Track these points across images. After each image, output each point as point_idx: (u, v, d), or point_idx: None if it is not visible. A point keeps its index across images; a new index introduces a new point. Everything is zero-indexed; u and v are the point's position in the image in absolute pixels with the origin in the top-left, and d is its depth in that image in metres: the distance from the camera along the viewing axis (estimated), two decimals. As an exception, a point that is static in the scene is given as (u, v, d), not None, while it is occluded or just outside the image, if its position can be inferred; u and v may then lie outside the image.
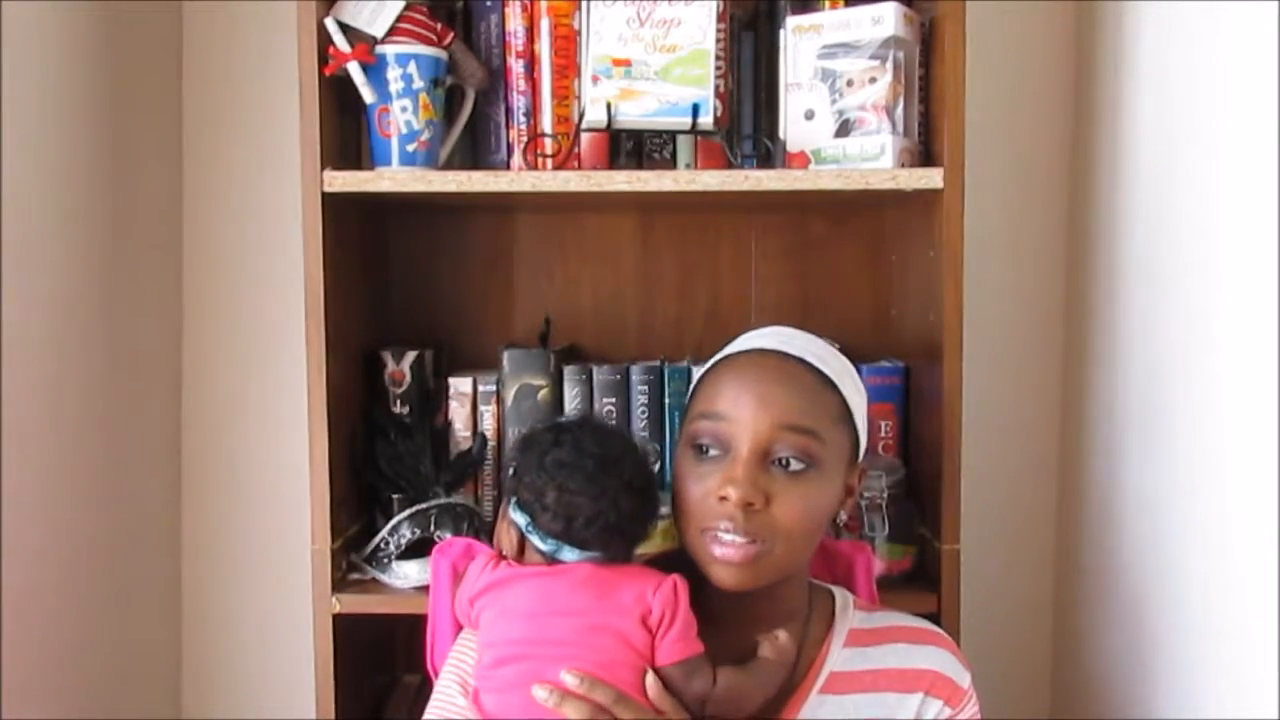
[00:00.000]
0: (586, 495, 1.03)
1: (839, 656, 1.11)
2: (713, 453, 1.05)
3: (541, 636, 1.02)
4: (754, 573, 1.04)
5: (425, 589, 1.30)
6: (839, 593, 1.17)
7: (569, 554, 1.04)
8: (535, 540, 1.05)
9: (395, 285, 1.66)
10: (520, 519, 1.06)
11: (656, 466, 1.48)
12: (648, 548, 1.13)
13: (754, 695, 1.04)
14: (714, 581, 1.04)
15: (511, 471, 1.08)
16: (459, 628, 1.16)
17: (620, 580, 1.04)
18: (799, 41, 1.39)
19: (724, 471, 1.03)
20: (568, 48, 1.44)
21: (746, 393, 1.05)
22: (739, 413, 1.04)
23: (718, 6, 1.35)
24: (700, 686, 1.01)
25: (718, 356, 1.13)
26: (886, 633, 1.13)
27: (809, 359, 1.08)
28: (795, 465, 1.04)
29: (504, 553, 1.09)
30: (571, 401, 1.49)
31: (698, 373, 1.45)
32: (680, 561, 1.09)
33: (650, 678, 1.00)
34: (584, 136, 1.45)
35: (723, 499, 1.02)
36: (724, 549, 1.02)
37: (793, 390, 1.06)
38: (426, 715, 1.10)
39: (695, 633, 1.03)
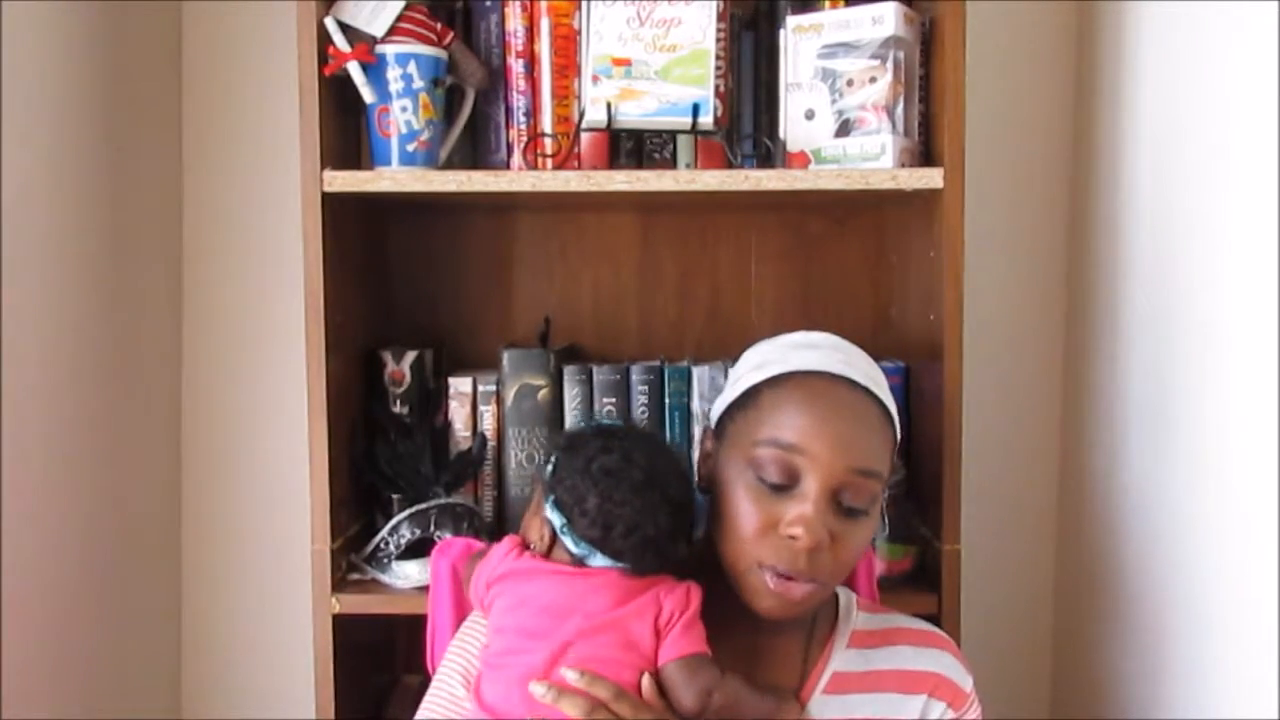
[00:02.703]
0: (629, 507, 1.02)
1: (842, 657, 1.11)
2: (777, 483, 1.02)
3: (555, 632, 1.01)
4: (803, 609, 1.04)
5: (425, 589, 1.31)
6: (842, 593, 1.16)
7: (599, 560, 1.04)
8: (568, 542, 1.04)
9: (395, 285, 1.66)
10: (556, 519, 1.04)
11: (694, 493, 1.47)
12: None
13: (751, 715, 1.03)
14: (757, 610, 1.03)
15: (551, 469, 1.06)
16: (459, 626, 1.16)
17: (640, 587, 1.03)
18: (799, 41, 1.39)
19: (795, 509, 1.00)
20: (568, 47, 1.44)
21: (823, 428, 1.01)
22: (815, 448, 1.01)
23: (718, 6, 1.35)
24: (705, 682, 1.00)
25: (772, 371, 1.07)
26: (890, 634, 1.13)
27: (874, 390, 1.06)
28: (859, 508, 1.02)
29: (531, 545, 1.08)
30: (571, 401, 1.49)
31: (701, 370, 1.47)
32: (692, 566, 1.08)
33: (646, 679, 1.00)
34: (584, 136, 1.45)
35: (792, 538, 1.00)
36: (783, 585, 1.01)
37: (866, 431, 1.03)
38: (424, 704, 1.10)
39: (702, 636, 1.03)
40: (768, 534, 1.01)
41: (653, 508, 1.03)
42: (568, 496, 1.04)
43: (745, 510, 1.02)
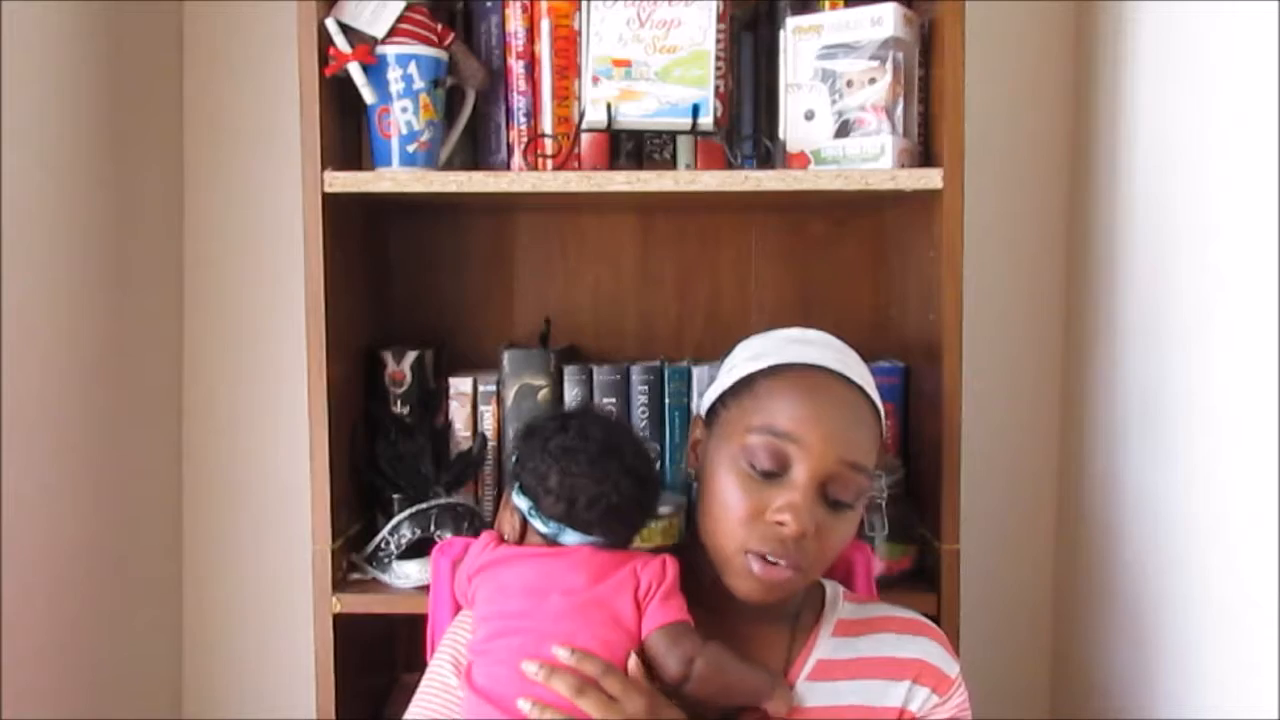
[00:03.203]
0: (589, 478, 1.05)
1: (827, 645, 1.11)
2: (768, 470, 1.03)
3: (536, 612, 1.03)
4: (782, 594, 1.05)
5: (425, 589, 1.31)
6: (829, 585, 1.17)
7: (570, 537, 1.06)
8: (537, 523, 1.07)
9: (395, 285, 1.66)
10: (523, 503, 1.08)
11: (655, 465, 1.49)
12: (647, 544, 1.14)
13: (736, 683, 1.04)
14: (738, 594, 1.04)
15: (514, 459, 1.10)
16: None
17: (615, 562, 1.05)
18: (799, 42, 1.39)
19: (785, 496, 1.02)
20: (568, 48, 1.44)
21: (816, 419, 1.03)
22: (808, 438, 1.02)
23: (718, 7, 1.35)
24: (687, 648, 1.02)
25: (769, 362, 1.08)
26: (875, 623, 1.14)
27: (865, 388, 1.08)
28: (846, 501, 1.04)
29: (505, 537, 1.11)
30: (571, 402, 1.49)
31: (701, 370, 1.48)
32: (680, 554, 1.09)
33: (632, 659, 1.01)
34: (584, 137, 1.45)
35: (779, 524, 1.01)
36: (767, 571, 1.02)
37: (858, 425, 1.05)
38: (418, 695, 1.11)
39: (682, 605, 1.04)
40: (755, 520, 1.02)
41: (613, 476, 1.06)
42: (531, 479, 1.07)
43: (734, 496, 1.03)
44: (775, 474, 1.03)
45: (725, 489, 1.04)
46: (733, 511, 1.03)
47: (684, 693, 1.02)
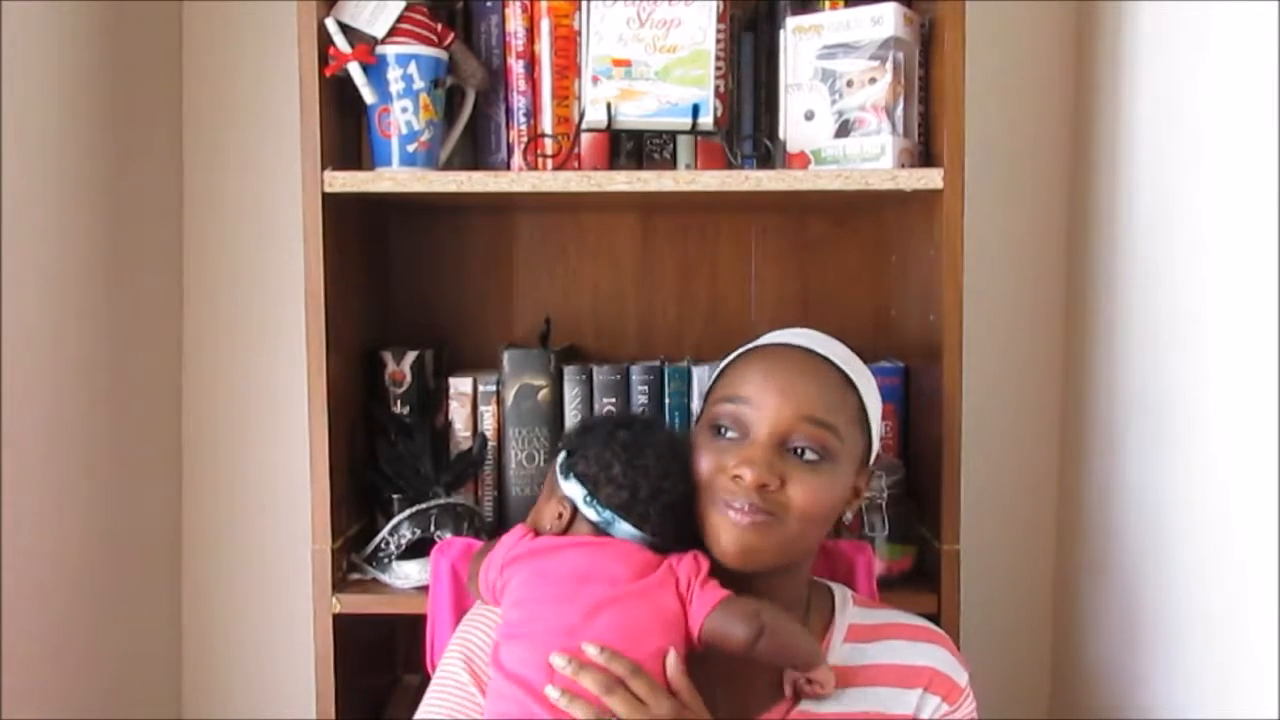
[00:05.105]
0: (652, 473, 1.07)
1: (839, 652, 1.11)
2: (731, 434, 1.07)
3: (576, 595, 1.03)
4: (761, 541, 1.04)
5: (425, 589, 1.31)
6: (838, 589, 1.18)
7: (622, 528, 1.07)
8: (590, 512, 1.07)
9: (395, 285, 1.66)
10: (577, 491, 1.08)
11: None
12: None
13: (797, 637, 1.06)
14: (722, 555, 1.05)
15: (567, 453, 1.11)
16: (458, 625, 1.16)
17: (654, 562, 1.06)
18: (799, 42, 1.39)
19: (740, 452, 1.05)
20: (568, 48, 1.44)
21: (771, 381, 1.07)
22: (762, 399, 1.06)
23: (718, 7, 1.35)
24: (748, 608, 1.03)
25: (742, 350, 1.14)
26: (886, 629, 1.14)
27: (834, 359, 1.11)
28: (810, 455, 1.06)
29: (546, 529, 1.10)
30: (571, 401, 1.49)
31: (701, 370, 1.48)
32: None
33: (671, 656, 1.01)
34: (584, 137, 1.45)
35: (736, 478, 1.04)
36: (737, 513, 1.04)
37: (816, 384, 1.08)
38: (430, 694, 1.10)
39: (719, 585, 1.05)
40: (719, 475, 1.06)
41: (674, 474, 1.08)
42: (592, 467, 1.08)
43: (702, 460, 1.07)
44: (739, 438, 1.07)
45: (698, 460, 1.08)
46: (702, 474, 1.07)
47: (757, 652, 1.03)
